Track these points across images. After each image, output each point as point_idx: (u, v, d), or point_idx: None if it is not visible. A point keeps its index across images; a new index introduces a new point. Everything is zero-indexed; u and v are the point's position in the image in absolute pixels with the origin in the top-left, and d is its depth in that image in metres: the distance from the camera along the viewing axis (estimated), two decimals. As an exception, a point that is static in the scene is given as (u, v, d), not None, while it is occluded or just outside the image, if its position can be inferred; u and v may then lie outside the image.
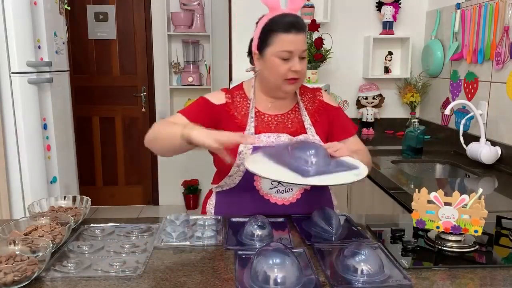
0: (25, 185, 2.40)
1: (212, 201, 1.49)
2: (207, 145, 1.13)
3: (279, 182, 1.26)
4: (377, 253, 1.01)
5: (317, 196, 1.43)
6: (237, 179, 1.37)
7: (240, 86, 1.48)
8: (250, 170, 1.13)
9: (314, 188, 1.40)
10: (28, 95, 2.38)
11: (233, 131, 1.20)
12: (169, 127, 1.28)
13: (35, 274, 0.93)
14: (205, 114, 1.37)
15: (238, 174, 1.36)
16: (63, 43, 2.85)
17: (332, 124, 1.45)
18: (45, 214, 1.20)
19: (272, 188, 1.36)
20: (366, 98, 2.91)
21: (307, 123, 1.40)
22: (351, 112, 2.97)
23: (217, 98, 1.41)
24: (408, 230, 1.19)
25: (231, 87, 1.53)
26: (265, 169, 1.14)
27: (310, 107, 1.44)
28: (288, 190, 1.37)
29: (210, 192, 1.53)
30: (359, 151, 1.40)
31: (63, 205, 1.31)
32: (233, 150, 1.31)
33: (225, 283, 0.94)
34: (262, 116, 1.40)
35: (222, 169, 1.40)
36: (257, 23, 1.38)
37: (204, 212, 1.52)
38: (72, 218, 1.17)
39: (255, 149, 1.29)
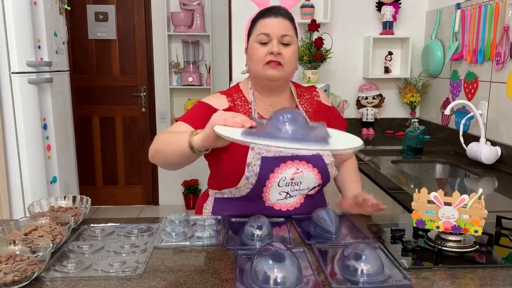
0: (25, 185, 2.40)
1: (209, 205, 1.44)
2: (211, 137, 1.07)
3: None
4: (377, 253, 1.01)
5: (320, 198, 1.43)
6: (244, 191, 1.31)
7: (237, 88, 1.43)
8: (216, 132, 1.04)
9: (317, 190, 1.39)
10: (28, 95, 2.38)
11: None
12: (173, 137, 1.23)
13: (35, 274, 0.93)
14: (208, 120, 1.27)
15: (246, 187, 1.30)
16: (63, 43, 2.85)
17: (328, 125, 1.40)
18: (45, 214, 1.20)
19: (280, 199, 1.33)
20: (366, 98, 2.91)
21: None
22: (351, 112, 2.97)
23: (219, 102, 1.36)
24: (408, 230, 1.19)
25: (230, 87, 1.51)
26: (230, 130, 1.05)
27: (310, 109, 1.43)
28: (293, 196, 1.35)
29: (206, 193, 1.49)
30: None
31: (63, 205, 1.31)
32: (241, 162, 1.27)
33: (225, 283, 0.94)
34: None
35: (227, 179, 1.33)
36: None
37: (199, 213, 1.48)
38: (72, 218, 1.17)
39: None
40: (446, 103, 2.64)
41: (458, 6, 2.44)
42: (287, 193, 1.33)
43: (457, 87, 2.52)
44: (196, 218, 1.31)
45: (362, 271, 0.93)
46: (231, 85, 2.66)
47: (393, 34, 2.86)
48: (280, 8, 1.33)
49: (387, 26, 2.85)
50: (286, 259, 0.91)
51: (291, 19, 1.34)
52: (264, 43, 1.30)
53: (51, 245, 0.98)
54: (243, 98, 1.39)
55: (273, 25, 1.30)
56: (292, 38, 1.32)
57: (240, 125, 1.06)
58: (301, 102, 1.43)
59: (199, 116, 1.31)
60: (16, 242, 1.01)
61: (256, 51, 1.31)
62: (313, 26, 2.69)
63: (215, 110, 1.22)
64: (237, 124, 1.06)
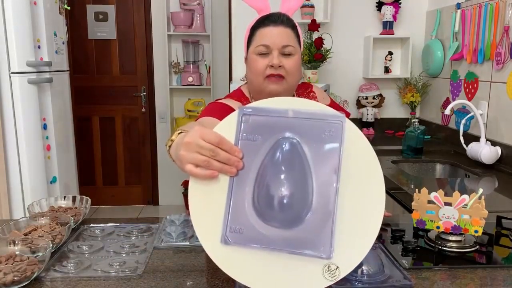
0: (25, 185, 2.40)
1: None
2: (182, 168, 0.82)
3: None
4: (377, 253, 1.01)
5: None
6: None
7: (242, 94, 1.37)
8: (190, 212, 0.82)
9: None
10: (28, 95, 2.37)
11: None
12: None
13: (35, 274, 0.93)
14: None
15: None
16: (63, 43, 2.85)
17: None
18: (45, 214, 1.20)
19: None
20: (366, 98, 2.91)
21: None
22: (351, 112, 2.96)
23: (236, 106, 1.23)
24: (408, 230, 1.19)
25: (231, 87, 1.50)
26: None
27: None
28: None
29: None
30: None
31: (63, 205, 1.31)
32: None
33: (225, 283, 0.94)
34: None
35: None
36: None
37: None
38: (72, 218, 1.17)
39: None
40: (446, 103, 2.63)
41: (458, 6, 2.44)
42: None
43: (457, 87, 2.52)
44: (196, 218, 1.30)
45: (362, 271, 0.93)
46: (231, 86, 2.67)
47: (393, 34, 2.86)
48: (280, 15, 1.25)
49: (387, 26, 2.85)
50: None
51: (293, 26, 1.26)
52: (264, 54, 1.23)
53: (51, 245, 0.98)
54: None
55: (273, 36, 1.22)
56: (294, 48, 1.24)
57: (218, 171, 0.79)
58: None
59: (220, 110, 1.20)
60: (16, 242, 1.01)
61: (256, 63, 1.24)
62: (313, 26, 2.69)
63: (232, 110, 0.96)
64: (214, 171, 0.79)
